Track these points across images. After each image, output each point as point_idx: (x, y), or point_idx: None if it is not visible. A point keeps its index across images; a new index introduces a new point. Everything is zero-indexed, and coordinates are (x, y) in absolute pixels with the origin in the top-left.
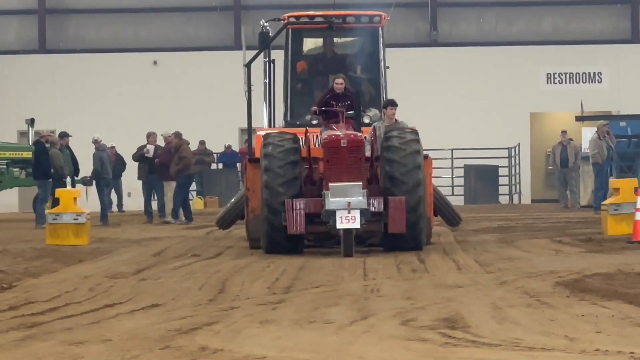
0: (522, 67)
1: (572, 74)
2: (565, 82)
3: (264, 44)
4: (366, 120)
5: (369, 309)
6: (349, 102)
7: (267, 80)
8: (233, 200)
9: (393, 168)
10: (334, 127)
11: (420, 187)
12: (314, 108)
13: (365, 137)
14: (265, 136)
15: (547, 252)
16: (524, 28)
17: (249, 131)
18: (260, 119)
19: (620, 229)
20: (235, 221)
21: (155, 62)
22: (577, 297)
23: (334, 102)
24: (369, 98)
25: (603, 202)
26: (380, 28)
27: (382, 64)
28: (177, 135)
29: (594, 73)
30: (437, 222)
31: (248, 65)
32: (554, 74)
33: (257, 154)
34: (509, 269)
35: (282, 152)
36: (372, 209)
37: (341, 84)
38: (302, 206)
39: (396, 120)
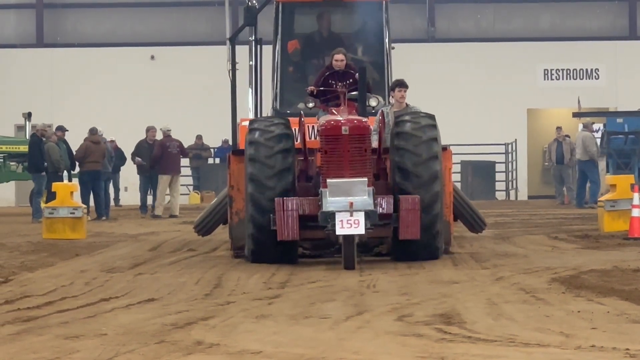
0: (519, 63)
1: (570, 70)
2: (563, 79)
3: (250, 17)
4: (373, 103)
5: (364, 305)
6: (351, 80)
7: (252, 63)
8: (214, 201)
9: (404, 158)
10: (333, 111)
11: (437, 181)
12: (311, 88)
13: (371, 127)
14: (252, 121)
15: (544, 248)
16: (522, 24)
17: (233, 117)
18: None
19: (617, 226)
20: (216, 226)
21: (152, 57)
22: (572, 294)
23: (333, 82)
24: (372, 83)
25: (600, 199)
26: (384, 2)
27: (386, 44)
28: (92, 130)
29: (592, 70)
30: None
31: (232, 40)
32: (552, 70)
33: (243, 146)
34: (505, 265)
35: (271, 138)
36: (380, 210)
37: (342, 60)
38: (294, 206)
39: (407, 104)
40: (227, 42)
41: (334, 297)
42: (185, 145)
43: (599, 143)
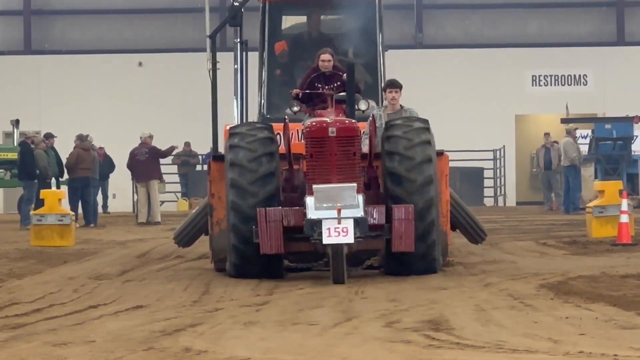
0: (507, 69)
1: (558, 76)
2: (551, 85)
3: (232, 15)
4: (362, 106)
5: (353, 311)
6: (339, 82)
7: (237, 67)
8: (195, 210)
9: (395, 162)
10: (320, 113)
11: (431, 186)
12: (296, 91)
13: (362, 132)
14: (233, 127)
15: (532, 254)
16: (510, 30)
17: (213, 118)
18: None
19: (605, 232)
20: (197, 237)
21: (140, 64)
22: (561, 300)
23: (320, 85)
24: (364, 86)
25: (588, 205)
26: (376, 1)
27: (379, 45)
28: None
29: (580, 75)
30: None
31: (212, 37)
32: (540, 76)
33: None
34: (493, 271)
35: (253, 142)
36: (372, 221)
37: (328, 60)
38: (278, 217)
39: (401, 106)
40: (207, 39)
41: (322, 304)
42: (174, 152)
43: (586, 149)
